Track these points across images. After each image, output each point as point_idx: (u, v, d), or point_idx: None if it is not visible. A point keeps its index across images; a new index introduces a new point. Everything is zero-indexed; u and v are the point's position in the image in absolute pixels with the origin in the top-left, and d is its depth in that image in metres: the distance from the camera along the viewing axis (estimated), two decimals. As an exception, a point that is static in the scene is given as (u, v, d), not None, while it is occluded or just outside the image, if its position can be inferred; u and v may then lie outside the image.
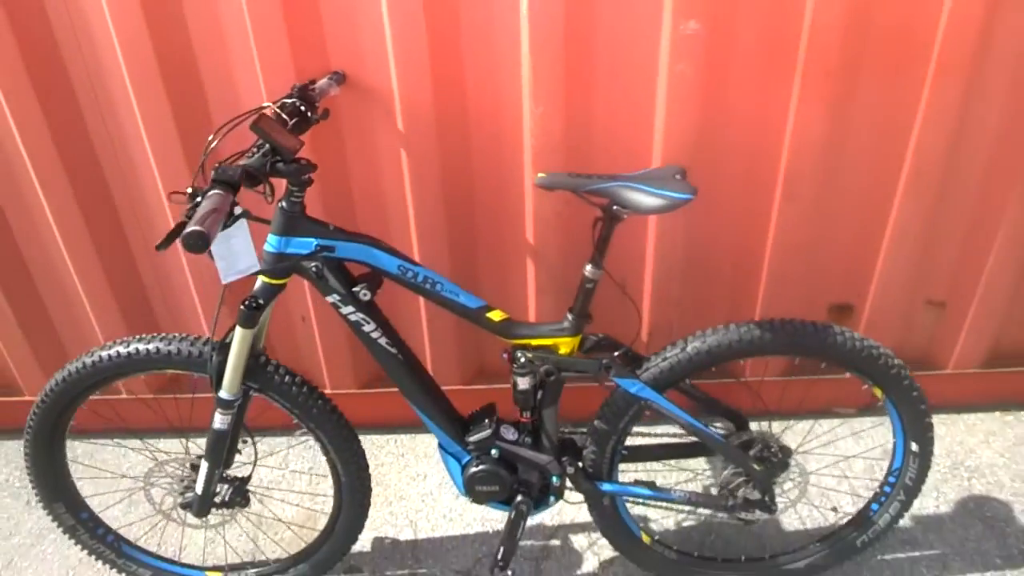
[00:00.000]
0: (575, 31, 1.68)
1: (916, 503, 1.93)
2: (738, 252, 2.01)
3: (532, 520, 2.11)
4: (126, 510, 2.18)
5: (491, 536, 2.08)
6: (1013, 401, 2.43)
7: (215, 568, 1.96)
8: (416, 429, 2.43)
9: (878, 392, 1.62)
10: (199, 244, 0.98)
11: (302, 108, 1.48)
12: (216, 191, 1.09)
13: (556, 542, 2.07)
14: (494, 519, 2.13)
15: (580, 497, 1.73)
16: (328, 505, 1.89)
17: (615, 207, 1.40)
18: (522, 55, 1.71)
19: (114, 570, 1.94)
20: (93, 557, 1.91)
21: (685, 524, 2.08)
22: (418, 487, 2.27)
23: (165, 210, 1.97)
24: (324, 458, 1.73)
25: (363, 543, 2.08)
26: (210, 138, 1.29)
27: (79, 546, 1.89)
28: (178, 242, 1.03)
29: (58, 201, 1.94)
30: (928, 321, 2.22)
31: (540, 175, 1.46)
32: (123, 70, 1.75)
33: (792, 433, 2.09)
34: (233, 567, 1.94)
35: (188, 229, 0.98)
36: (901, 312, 2.17)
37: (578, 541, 2.06)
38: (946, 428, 2.38)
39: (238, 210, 1.25)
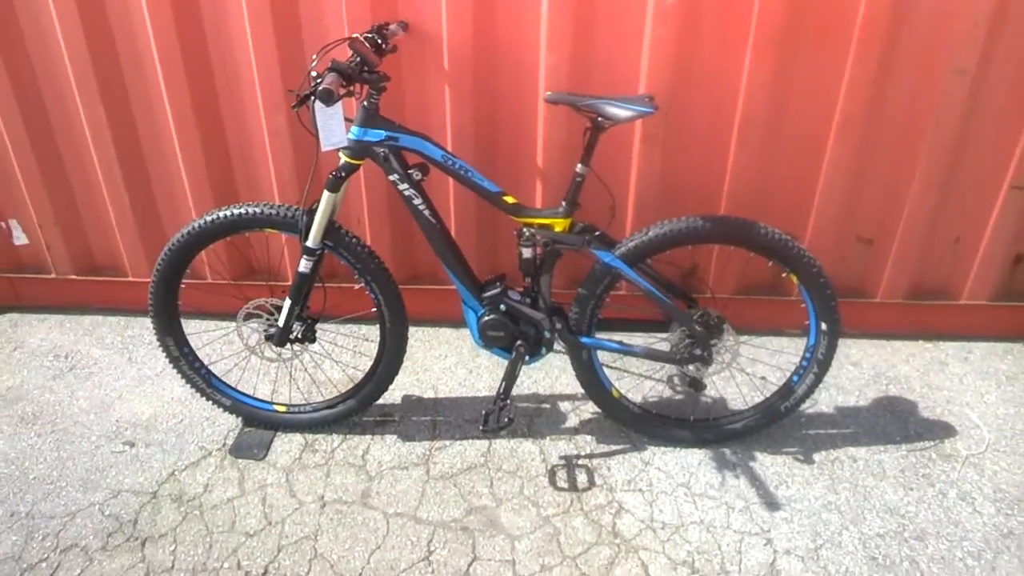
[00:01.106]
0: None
1: (839, 398, 2.48)
2: (702, 184, 2.54)
3: (527, 388, 2.67)
4: (219, 349, 2.75)
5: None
6: (933, 331, 2.94)
7: (281, 404, 2.52)
8: (440, 323, 2.99)
9: (794, 279, 2.15)
10: (329, 97, 1.56)
11: (379, 41, 2.05)
12: (334, 73, 1.66)
13: (546, 406, 2.61)
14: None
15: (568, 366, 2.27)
16: (369, 362, 2.44)
17: (599, 118, 1.95)
18: (541, 12, 2.28)
19: (203, 398, 2.50)
20: (188, 385, 2.48)
21: (647, 390, 2.61)
22: (440, 363, 2.83)
23: (259, 104, 2.53)
24: (375, 309, 2.29)
25: (394, 397, 2.63)
26: (314, 56, 1.86)
27: (179, 374, 2.45)
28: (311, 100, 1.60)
29: (175, 91, 2.50)
30: (859, 255, 2.74)
31: (548, 93, 2.02)
32: (242, 4, 2.34)
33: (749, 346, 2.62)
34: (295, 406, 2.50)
35: (322, 87, 1.55)
36: (836, 246, 2.68)
37: (563, 406, 2.61)
38: (875, 349, 2.90)
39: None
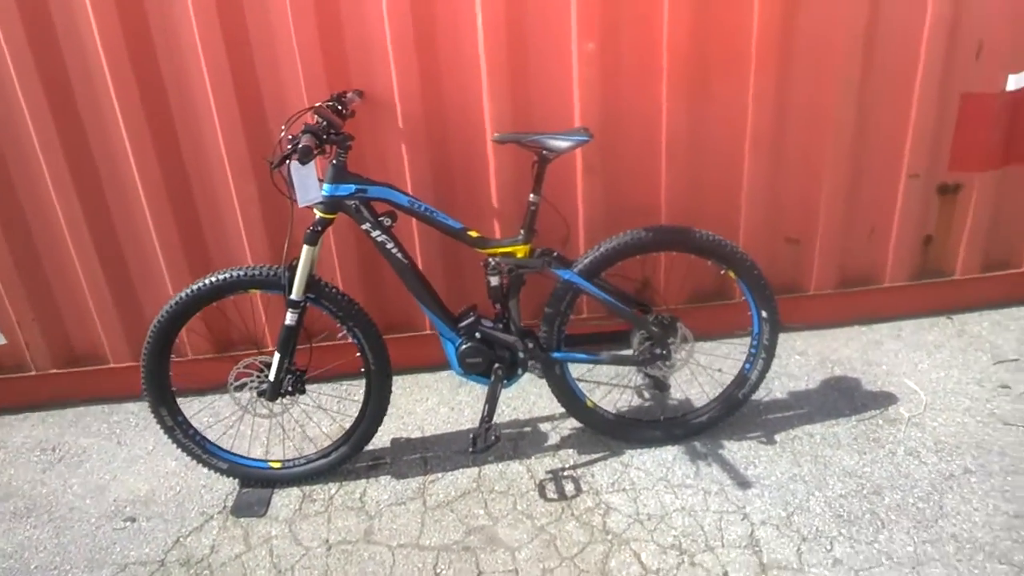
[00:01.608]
0: (515, 50, 2.55)
1: (791, 384, 2.73)
2: (642, 203, 2.81)
3: (507, 416, 2.84)
4: (206, 420, 2.86)
5: (479, 425, 2.79)
6: (866, 316, 3.23)
7: (275, 460, 2.63)
8: (418, 370, 3.15)
9: (732, 274, 2.41)
10: (308, 153, 1.78)
11: (339, 107, 2.29)
12: (308, 134, 1.88)
13: (527, 429, 2.79)
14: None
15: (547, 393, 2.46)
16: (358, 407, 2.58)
17: (544, 151, 2.21)
18: (481, 68, 2.56)
19: (200, 464, 2.60)
20: (184, 454, 2.57)
21: (618, 398, 2.80)
22: (422, 405, 2.98)
23: (227, 175, 2.71)
24: (359, 354, 2.45)
25: (383, 442, 2.76)
26: (283, 124, 2.08)
27: (174, 443, 2.55)
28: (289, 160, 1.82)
29: (145, 171, 2.65)
30: (789, 254, 3.03)
31: (495, 134, 2.27)
32: (205, 75, 2.54)
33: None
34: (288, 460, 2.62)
35: (301, 145, 1.77)
36: (767, 248, 2.97)
37: (543, 426, 2.79)
38: (818, 339, 3.18)
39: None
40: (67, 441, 2.97)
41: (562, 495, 2.45)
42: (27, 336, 2.96)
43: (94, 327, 2.97)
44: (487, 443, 2.35)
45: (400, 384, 3.09)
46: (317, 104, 2.18)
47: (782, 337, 2.55)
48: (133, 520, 2.53)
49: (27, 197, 2.74)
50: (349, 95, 2.43)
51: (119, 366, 3.05)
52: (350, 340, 2.41)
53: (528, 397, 2.94)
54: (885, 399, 2.76)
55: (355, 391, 2.91)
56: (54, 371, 3.06)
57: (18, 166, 2.69)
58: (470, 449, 2.36)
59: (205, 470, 2.64)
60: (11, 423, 3.12)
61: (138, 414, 3.07)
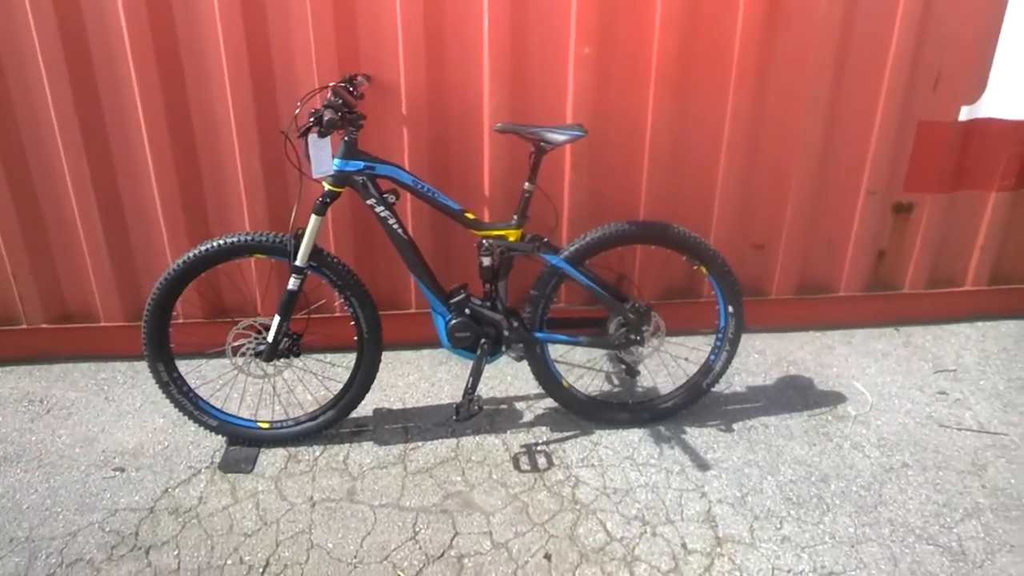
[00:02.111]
0: (517, 49, 2.73)
1: (749, 380, 2.95)
2: (624, 200, 3.00)
3: (486, 394, 3.00)
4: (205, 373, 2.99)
5: (459, 399, 2.95)
6: (821, 322, 3.47)
7: (264, 421, 2.75)
8: (400, 347, 3.29)
9: (703, 269, 2.61)
10: (332, 125, 1.93)
11: (350, 89, 2.44)
12: (331, 109, 2.04)
13: (504, 406, 2.96)
14: (459, 396, 2.99)
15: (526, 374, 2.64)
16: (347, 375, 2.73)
17: (542, 143, 2.39)
18: (484, 63, 2.73)
19: (189, 419, 2.71)
20: (176, 408, 2.68)
21: (590, 381, 3.00)
22: (404, 380, 3.13)
23: (235, 150, 2.83)
24: (353, 323, 2.60)
25: (366, 411, 2.91)
26: (299, 100, 2.23)
27: (168, 398, 2.65)
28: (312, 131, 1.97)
29: (156, 141, 2.77)
30: (754, 259, 3.25)
31: (498, 124, 2.45)
32: (221, 46, 2.67)
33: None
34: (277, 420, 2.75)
35: (327, 118, 1.92)
36: (735, 252, 3.16)
37: (519, 405, 2.96)
38: (776, 340, 3.40)
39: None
40: (54, 394, 3.05)
41: (535, 467, 2.62)
42: (22, 288, 3.02)
43: (89, 285, 3.05)
44: (470, 412, 2.51)
45: (383, 359, 3.21)
46: (332, 84, 2.32)
47: (743, 337, 2.77)
48: (122, 470, 2.63)
49: (33, 150, 2.82)
50: (359, 78, 2.58)
51: (110, 325, 3.13)
52: (346, 309, 2.55)
53: (505, 378, 3.11)
54: (835, 398, 3.00)
55: (340, 360, 3.06)
56: (45, 325, 3.12)
57: (27, 119, 2.77)
58: (454, 417, 2.53)
59: (193, 427, 2.76)
60: (-4, 375, 3.18)
61: (126, 372, 3.16)
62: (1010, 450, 2.71)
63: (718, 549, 2.30)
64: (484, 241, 2.47)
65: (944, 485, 2.54)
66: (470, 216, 2.47)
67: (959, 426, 2.83)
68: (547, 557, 2.27)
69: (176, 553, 2.32)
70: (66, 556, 2.30)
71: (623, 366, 2.72)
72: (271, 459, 2.68)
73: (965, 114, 3.03)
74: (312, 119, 2.07)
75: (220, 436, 2.75)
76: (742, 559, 2.26)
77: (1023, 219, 3.30)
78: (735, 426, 2.82)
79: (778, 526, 2.38)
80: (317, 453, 2.71)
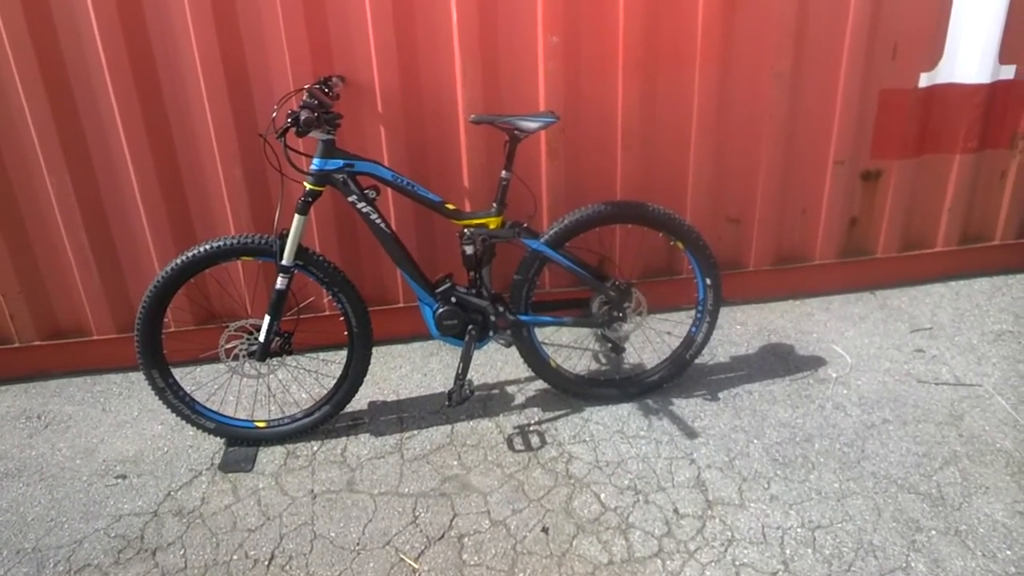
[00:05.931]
0: (487, 41, 2.79)
1: (732, 350, 3.02)
2: (600, 183, 3.08)
3: (477, 380, 3.07)
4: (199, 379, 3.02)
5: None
6: (799, 291, 3.57)
7: (261, 420, 2.81)
8: (390, 341, 3.36)
9: (680, 245, 2.69)
10: (309, 124, 1.98)
11: (325, 90, 2.50)
12: (307, 109, 2.10)
13: (496, 391, 3.03)
14: (451, 384, 3.06)
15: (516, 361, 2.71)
16: (340, 369, 2.79)
17: (515, 131, 2.46)
18: (455, 58, 2.79)
19: (187, 423, 2.76)
20: (173, 413, 2.73)
21: (577, 360, 3.07)
22: (396, 372, 3.19)
23: (215, 156, 2.87)
24: (343, 318, 2.66)
25: (360, 405, 2.97)
26: (275, 104, 2.29)
27: (164, 404, 2.70)
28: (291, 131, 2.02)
29: (136, 150, 2.81)
30: (731, 233, 3.34)
31: (472, 115, 2.51)
32: (195, 54, 2.70)
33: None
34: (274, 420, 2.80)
35: (303, 117, 1.98)
36: (712, 227, 3.26)
37: (510, 388, 3.03)
38: (757, 311, 3.49)
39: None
40: (51, 409, 3.09)
41: (528, 447, 2.69)
42: (12, 308, 3.06)
43: (79, 300, 3.09)
44: (463, 397, 2.58)
45: (374, 354, 3.25)
46: (307, 86, 2.38)
47: (725, 310, 2.86)
48: (124, 477, 2.68)
49: (16, 172, 2.86)
50: (334, 79, 2.64)
51: (102, 338, 3.17)
52: (336, 306, 2.61)
53: (495, 364, 3.18)
54: (815, 362, 3.09)
55: (332, 357, 3.11)
56: (38, 343, 3.16)
57: (8, 139, 2.80)
58: (447, 403, 2.59)
59: (191, 432, 2.81)
60: (-7, 394, 3.21)
61: (121, 383, 3.20)
62: (984, 400, 2.81)
63: (709, 512, 2.38)
64: (466, 230, 2.54)
65: (923, 437, 2.64)
66: (450, 207, 2.53)
67: (936, 381, 2.93)
68: (544, 531, 2.34)
69: (182, 553, 2.36)
70: (73, 563, 2.35)
71: (609, 344, 2.79)
72: (270, 457, 2.73)
73: (925, 81, 3.12)
74: (289, 120, 2.12)
75: (218, 438, 2.79)
76: (732, 519, 2.34)
77: (988, 180, 3.40)
78: (720, 395, 2.90)
79: (766, 486, 2.46)
80: (315, 448, 2.76)
